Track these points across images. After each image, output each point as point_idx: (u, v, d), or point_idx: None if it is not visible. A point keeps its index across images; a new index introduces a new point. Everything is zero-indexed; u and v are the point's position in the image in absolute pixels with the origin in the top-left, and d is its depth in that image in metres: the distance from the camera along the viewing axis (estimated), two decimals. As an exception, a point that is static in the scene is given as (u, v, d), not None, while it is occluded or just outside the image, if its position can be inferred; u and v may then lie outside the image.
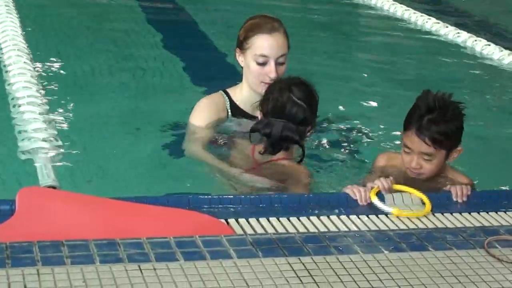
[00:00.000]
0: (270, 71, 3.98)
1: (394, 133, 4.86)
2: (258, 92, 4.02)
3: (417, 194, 3.45)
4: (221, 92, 4.22)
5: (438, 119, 3.60)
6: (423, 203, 3.41)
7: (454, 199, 3.51)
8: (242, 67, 4.16)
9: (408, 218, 3.28)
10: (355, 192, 3.39)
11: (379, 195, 3.40)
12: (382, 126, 5.02)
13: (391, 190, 3.46)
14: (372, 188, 3.42)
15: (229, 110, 4.16)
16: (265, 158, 3.81)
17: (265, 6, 7.74)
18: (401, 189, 3.49)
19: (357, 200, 3.37)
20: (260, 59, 3.99)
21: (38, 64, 5.72)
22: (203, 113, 4.14)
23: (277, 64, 4.00)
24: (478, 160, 4.42)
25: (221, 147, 4.05)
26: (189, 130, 4.17)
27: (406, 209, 3.34)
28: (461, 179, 3.82)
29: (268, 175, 3.80)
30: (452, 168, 3.90)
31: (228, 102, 4.17)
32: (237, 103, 4.17)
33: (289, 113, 3.69)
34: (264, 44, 3.99)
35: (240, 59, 4.12)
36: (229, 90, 4.21)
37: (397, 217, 3.26)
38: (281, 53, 4.00)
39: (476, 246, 3.05)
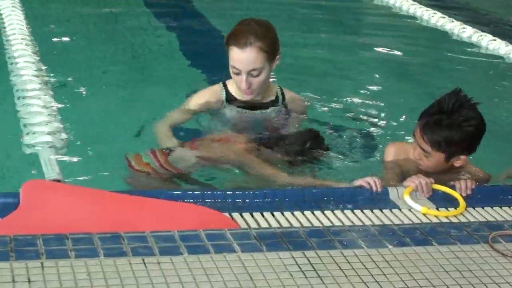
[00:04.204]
0: (241, 82, 4.08)
1: (395, 123, 4.87)
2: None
3: (454, 194, 3.46)
4: (220, 83, 4.35)
5: (443, 123, 3.60)
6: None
7: (458, 193, 3.50)
8: None
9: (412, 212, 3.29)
10: (368, 181, 3.40)
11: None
12: (386, 120, 5.02)
13: (429, 192, 3.46)
14: (406, 187, 3.43)
15: (224, 100, 4.28)
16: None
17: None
18: (439, 188, 3.49)
19: (371, 188, 3.39)
20: (234, 69, 4.09)
21: (43, 57, 5.72)
22: (194, 100, 4.31)
23: (250, 75, 4.06)
24: (486, 155, 4.41)
25: None
26: (171, 112, 4.33)
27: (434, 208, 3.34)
28: (477, 172, 3.82)
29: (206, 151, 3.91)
30: (468, 162, 3.88)
31: (224, 92, 4.29)
32: (232, 93, 4.27)
33: None
34: (235, 58, 4.06)
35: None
36: (227, 82, 4.33)
37: (424, 215, 3.27)
38: (252, 67, 4.05)
39: (480, 241, 3.05)
